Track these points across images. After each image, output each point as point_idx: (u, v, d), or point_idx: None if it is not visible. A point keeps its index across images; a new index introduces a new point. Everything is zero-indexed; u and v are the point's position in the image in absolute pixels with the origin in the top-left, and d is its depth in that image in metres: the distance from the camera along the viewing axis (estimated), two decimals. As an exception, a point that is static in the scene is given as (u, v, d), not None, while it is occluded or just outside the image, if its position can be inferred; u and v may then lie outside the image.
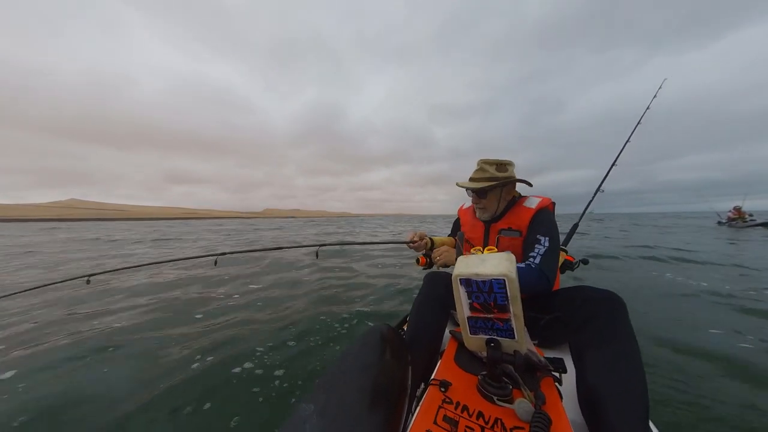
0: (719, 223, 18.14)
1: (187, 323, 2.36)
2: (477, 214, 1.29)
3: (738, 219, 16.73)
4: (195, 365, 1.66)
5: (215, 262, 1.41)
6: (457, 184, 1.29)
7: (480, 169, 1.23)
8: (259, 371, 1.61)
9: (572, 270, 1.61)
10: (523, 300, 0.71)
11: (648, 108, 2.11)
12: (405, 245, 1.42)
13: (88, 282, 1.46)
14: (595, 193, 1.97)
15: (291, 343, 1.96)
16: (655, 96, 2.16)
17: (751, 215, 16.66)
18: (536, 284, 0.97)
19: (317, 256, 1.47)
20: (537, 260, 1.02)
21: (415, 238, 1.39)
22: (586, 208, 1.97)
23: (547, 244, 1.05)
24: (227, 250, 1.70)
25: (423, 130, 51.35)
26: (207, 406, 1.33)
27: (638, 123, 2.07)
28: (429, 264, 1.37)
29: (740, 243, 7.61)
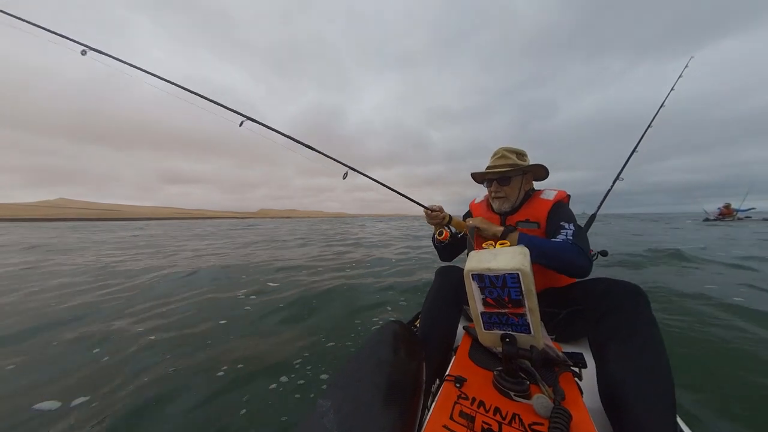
0: (706, 219, 19.40)
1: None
2: (496, 205, 1.23)
3: (728, 216, 18.13)
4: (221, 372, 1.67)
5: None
6: (473, 175, 1.25)
7: (501, 156, 1.20)
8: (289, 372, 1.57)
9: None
10: (538, 294, 0.69)
11: (673, 89, 1.98)
12: (422, 211, 1.31)
13: None
14: (615, 182, 1.84)
15: (322, 339, 1.97)
16: (680, 76, 2.02)
17: (748, 211, 18.31)
18: (576, 258, 0.93)
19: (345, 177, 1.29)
20: (570, 237, 0.98)
21: (435, 208, 1.27)
22: (605, 197, 1.85)
23: (572, 227, 1.02)
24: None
25: (420, 133, 50.29)
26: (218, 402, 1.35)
27: (662, 105, 1.95)
28: (451, 238, 1.28)
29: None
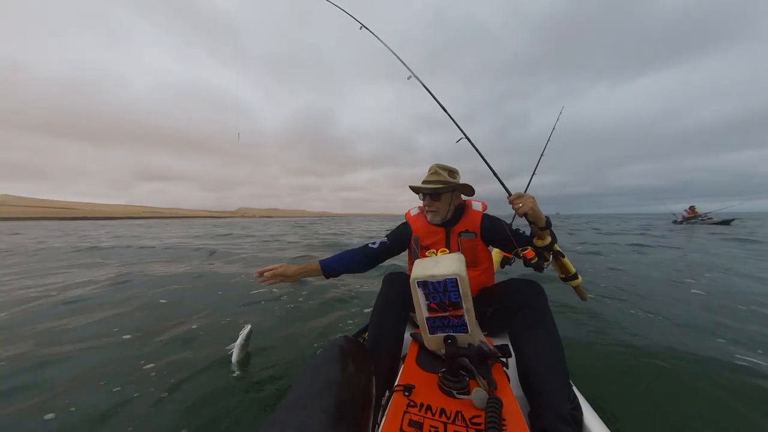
0: (675, 222, 20.02)
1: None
2: (429, 218, 1.30)
3: (693, 217, 18.96)
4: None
5: None
6: (411, 187, 1.32)
7: (434, 173, 1.28)
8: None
9: (510, 264, 1.79)
10: (472, 296, 0.78)
11: (551, 132, 2.35)
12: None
13: None
14: (530, 179, 2.11)
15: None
16: (557, 120, 2.44)
17: (707, 214, 19.07)
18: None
19: None
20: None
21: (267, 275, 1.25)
22: (526, 190, 2.04)
23: (522, 230, 1.24)
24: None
25: (408, 137, 52.21)
26: None
27: (549, 138, 2.35)
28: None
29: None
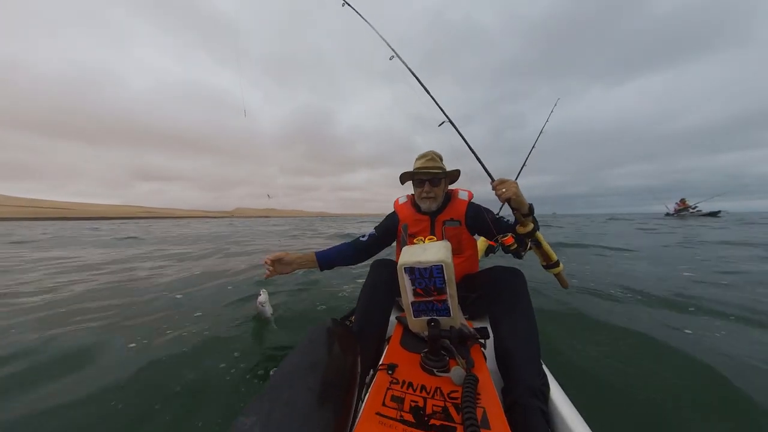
0: (667, 214, 20.82)
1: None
2: (425, 205, 1.29)
3: (683, 209, 19.85)
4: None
5: None
6: (406, 173, 1.29)
7: (431, 159, 1.28)
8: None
9: (494, 252, 1.86)
10: (457, 282, 0.81)
11: (545, 123, 2.36)
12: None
13: None
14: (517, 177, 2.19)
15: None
16: (551, 112, 2.51)
17: (695, 206, 20.10)
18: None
19: None
20: (512, 222, 1.19)
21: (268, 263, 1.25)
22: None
23: (507, 218, 1.25)
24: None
25: (406, 138, 50.16)
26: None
27: (540, 133, 2.40)
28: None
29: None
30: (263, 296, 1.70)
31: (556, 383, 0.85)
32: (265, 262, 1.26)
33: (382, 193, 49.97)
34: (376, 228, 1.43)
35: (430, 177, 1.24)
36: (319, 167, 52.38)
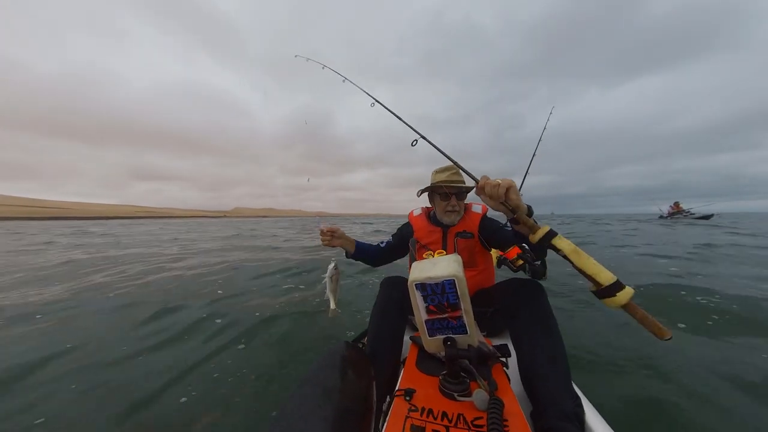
0: (661, 217, 20.94)
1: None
2: (448, 219, 1.27)
3: (677, 212, 20.01)
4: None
5: None
6: (435, 184, 1.26)
7: (456, 173, 1.28)
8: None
9: (505, 264, 1.79)
10: (471, 297, 0.77)
11: (543, 132, 2.25)
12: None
13: None
14: (524, 177, 2.12)
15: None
16: (548, 120, 2.47)
17: (689, 210, 20.23)
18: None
19: None
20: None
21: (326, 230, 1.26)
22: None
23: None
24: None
25: (406, 138, 52.82)
26: None
27: (540, 138, 2.40)
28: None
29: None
30: (330, 269, 1.35)
31: (591, 406, 0.78)
32: (322, 231, 1.28)
33: (381, 193, 49.12)
34: (392, 236, 1.47)
35: (456, 191, 1.24)
36: (318, 167, 52.13)
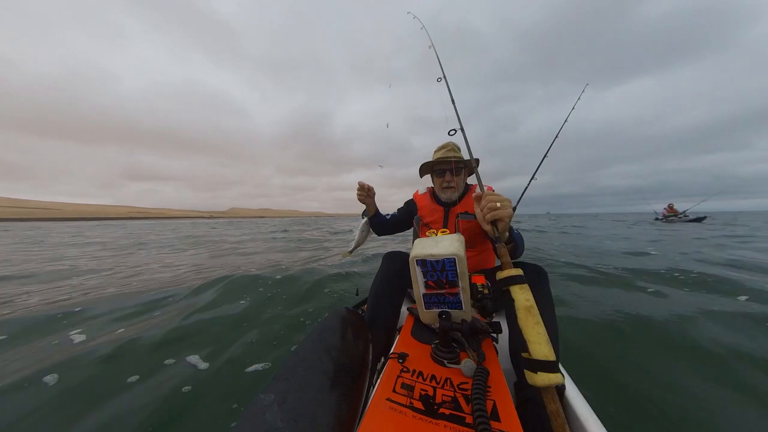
0: (656, 219, 20.75)
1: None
2: (445, 195, 1.28)
3: (672, 215, 19.69)
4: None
5: None
6: (425, 164, 1.30)
7: (451, 149, 1.27)
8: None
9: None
10: (469, 275, 0.80)
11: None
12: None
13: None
14: (529, 182, 2.04)
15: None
16: (577, 100, 2.22)
17: (684, 212, 19.96)
18: (522, 243, 1.05)
19: None
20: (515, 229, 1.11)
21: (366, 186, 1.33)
22: (522, 195, 2.00)
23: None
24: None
25: (402, 139, 48.74)
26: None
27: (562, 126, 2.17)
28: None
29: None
30: (363, 223, 1.48)
31: (572, 381, 0.84)
32: (362, 186, 1.33)
33: (379, 193, 49.15)
34: (398, 210, 1.50)
35: (450, 166, 1.24)
36: (315, 167, 51.54)
